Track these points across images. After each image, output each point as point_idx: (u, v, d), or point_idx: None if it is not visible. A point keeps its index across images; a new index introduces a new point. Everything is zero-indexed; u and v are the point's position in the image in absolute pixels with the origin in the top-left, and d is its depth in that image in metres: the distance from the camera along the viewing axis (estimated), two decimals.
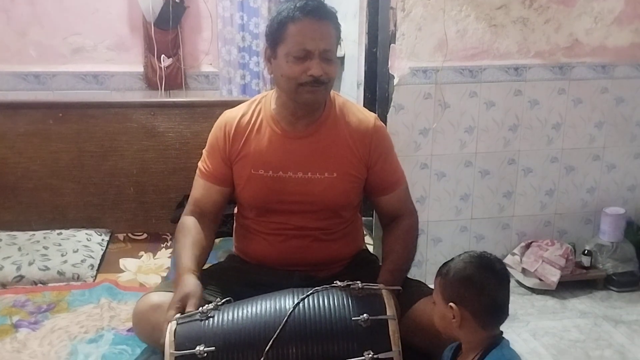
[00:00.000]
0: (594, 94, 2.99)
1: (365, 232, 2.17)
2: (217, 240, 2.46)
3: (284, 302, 1.43)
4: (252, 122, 1.75)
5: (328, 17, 1.64)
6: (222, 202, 1.82)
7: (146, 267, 2.40)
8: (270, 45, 1.67)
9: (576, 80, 2.95)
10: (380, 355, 1.36)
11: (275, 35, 1.63)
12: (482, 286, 1.35)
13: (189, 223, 1.76)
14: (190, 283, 1.56)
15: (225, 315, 1.44)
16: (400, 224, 1.79)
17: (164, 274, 2.33)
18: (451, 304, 1.35)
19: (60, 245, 2.39)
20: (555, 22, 2.85)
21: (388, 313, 1.41)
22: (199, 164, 1.83)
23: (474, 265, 1.37)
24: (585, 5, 2.85)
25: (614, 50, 2.95)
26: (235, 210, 1.90)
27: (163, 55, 3.48)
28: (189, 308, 1.48)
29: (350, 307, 1.42)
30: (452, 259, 1.41)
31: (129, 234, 2.66)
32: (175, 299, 1.52)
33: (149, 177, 2.68)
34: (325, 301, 1.43)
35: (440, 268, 1.42)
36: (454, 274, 1.37)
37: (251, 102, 1.81)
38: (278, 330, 1.37)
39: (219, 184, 1.79)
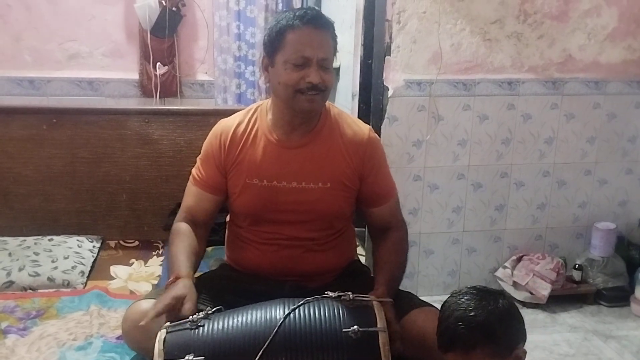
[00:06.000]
0: (586, 109, 3.01)
1: (357, 243, 2.18)
2: (208, 249, 2.46)
3: (274, 312, 1.43)
4: (248, 131, 1.76)
5: (326, 27, 1.66)
6: (214, 210, 1.82)
7: (137, 275, 2.39)
8: (268, 53, 1.68)
9: (569, 95, 2.97)
10: None
11: (274, 43, 1.65)
12: (515, 308, 1.31)
13: (183, 228, 1.76)
14: (188, 287, 1.56)
15: (216, 324, 1.43)
16: (391, 235, 1.80)
17: (155, 282, 2.32)
18: (516, 351, 1.28)
19: (51, 251, 2.38)
20: (549, 38, 2.87)
21: (379, 325, 1.41)
22: (193, 171, 1.83)
23: (491, 300, 1.28)
24: (579, 21, 2.88)
25: (607, 66, 2.98)
26: (228, 218, 1.90)
27: (158, 63, 3.48)
28: (184, 312, 1.48)
29: (341, 319, 1.42)
30: (455, 326, 1.27)
31: (121, 241, 2.65)
32: (169, 295, 1.51)
33: (142, 184, 2.67)
34: (316, 312, 1.43)
35: (459, 341, 1.26)
36: (496, 326, 1.25)
37: (247, 111, 1.81)
38: (268, 341, 1.37)
39: (212, 192, 1.79)
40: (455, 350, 1.28)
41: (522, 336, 1.31)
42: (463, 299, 1.31)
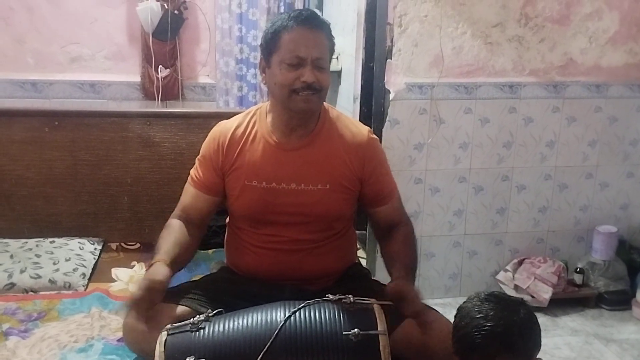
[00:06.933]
0: (587, 112, 3.01)
1: (358, 246, 2.18)
2: (209, 251, 2.47)
3: (275, 315, 1.43)
4: (247, 133, 1.76)
5: (321, 27, 1.67)
6: (210, 211, 1.83)
7: (138, 277, 2.38)
8: (265, 55, 1.70)
9: (570, 98, 2.97)
10: None
11: (270, 44, 1.66)
12: (535, 318, 1.30)
13: (174, 224, 1.78)
14: (157, 271, 1.59)
15: (216, 326, 1.43)
16: (399, 231, 1.79)
17: None
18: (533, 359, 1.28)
19: (52, 253, 2.38)
20: (550, 41, 2.88)
21: (379, 328, 1.41)
22: (191, 171, 1.85)
23: (512, 311, 1.27)
24: (580, 25, 2.89)
25: (608, 70, 2.98)
26: (227, 221, 1.91)
27: (160, 66, 3.49)
28: (153, 295, 1.54)
29: (342, 322, 1.42)
30: (473, 335, 1.25)
31: (122, 244, 2.65)
32: (142, 285, 1.56)
33: (143, 186, 2.67)
34: (317, 315, 1.43)
35: (477, 351, 1.25)
36: (517, 338, 1.24)
37: (246, 114, 1.82)
38: (269, 343, 1.37)
39: (208, 193, 1.80)
40: (473, 358, 1.28)
41: (539, 345, 1.30)
42: (483, 307, 1.29)
